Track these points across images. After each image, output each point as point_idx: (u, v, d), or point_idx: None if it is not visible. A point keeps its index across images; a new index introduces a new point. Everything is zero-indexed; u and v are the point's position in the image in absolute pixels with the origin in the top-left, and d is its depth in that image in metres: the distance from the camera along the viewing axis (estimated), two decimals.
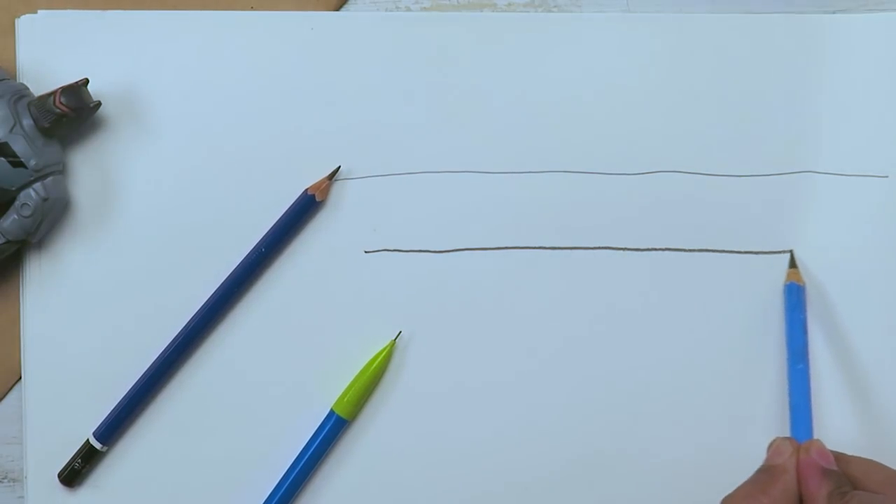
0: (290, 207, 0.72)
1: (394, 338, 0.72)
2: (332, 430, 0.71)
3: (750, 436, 0.72)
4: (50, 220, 0.70)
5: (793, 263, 0.73)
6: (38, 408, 0.71)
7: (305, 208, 0.72)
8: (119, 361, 0.72)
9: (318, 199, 0.72)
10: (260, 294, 0.72)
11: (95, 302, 0.72)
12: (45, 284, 0.72)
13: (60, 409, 0.71)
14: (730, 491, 0.66)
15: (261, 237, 0.72)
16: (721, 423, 0.73)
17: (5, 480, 0.72)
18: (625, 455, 0.73)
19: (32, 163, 0.68)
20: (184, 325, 0.71)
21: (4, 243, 0.69)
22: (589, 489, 0.72)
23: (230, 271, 0.72)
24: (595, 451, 0.73)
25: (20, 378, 0.72)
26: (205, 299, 0.72)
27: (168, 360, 0.71)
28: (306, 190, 0.72)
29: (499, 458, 0.72)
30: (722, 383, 0.73)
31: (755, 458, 0.69)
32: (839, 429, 0.73)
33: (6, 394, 0.72)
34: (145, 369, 0.71)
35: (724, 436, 0.73)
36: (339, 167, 0.73)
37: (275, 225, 0.72)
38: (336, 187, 0.73)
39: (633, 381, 0.73)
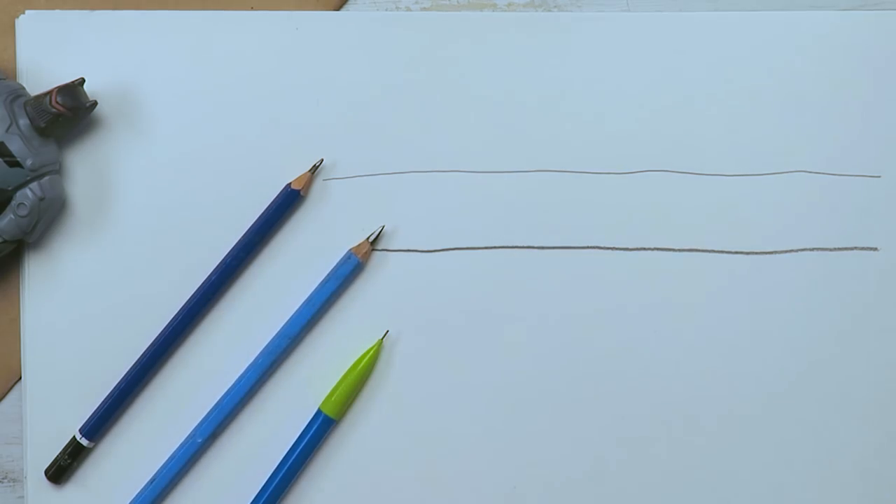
0: (272, 201, 0.72)
1: (381, 337, 0.72)
2: (320, 430, 0.71)
3: (743, 436, 0.72)
4: (47, 219, 0.70)
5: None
6: (38, 408, 0.72)
7: (288, 202, 0.72)
8: (119, 360, 0.72)
9: (301, 193, 0.72)
10: (246, 291, 0.72)
11: (94, 301, 0.72)
12: (43, 284, 0.72)
13: (60, 409, 0.72)
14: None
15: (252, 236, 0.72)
16: (712, 424, 0.72)
17: (5, 480, 0.72)
18: (613, 456, 0.72)
19: (29, 162, 0.69)
20: (167, 322, 0.71)
21: (2, 243, 0.69)
22: (577, 488, 0.72)
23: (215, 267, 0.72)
24: (584, 451, 0.72)
25: (20, 378, 0.72)
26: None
27: (153, 356, 0.71)
28: (289, 184, 0.72)
29: (487, 459, 0.72)
30: (711, 383, 0.73)
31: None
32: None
33: (6, 394, 0.73)
34: (131, 366, 0.71)
35: (717, 436, 0.72)
36: (322, 160, 0.73)
37: (257, 220, 0.72)
38: (326, 186, 0.73)
39: (621, 382, 0.73)
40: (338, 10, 0.75)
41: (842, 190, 0.74)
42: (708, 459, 0.72)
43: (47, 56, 0.73)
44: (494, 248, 0.73)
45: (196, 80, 0.74)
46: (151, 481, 0.71)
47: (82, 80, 0.71)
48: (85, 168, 0.73)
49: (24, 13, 0.73)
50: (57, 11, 0.74)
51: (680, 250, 0.73)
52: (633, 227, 0.73)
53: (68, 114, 0.69)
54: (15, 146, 0.68)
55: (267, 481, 0.71)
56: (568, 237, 0.73)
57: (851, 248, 0.74)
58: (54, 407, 0.72)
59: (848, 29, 0.75)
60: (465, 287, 0.73)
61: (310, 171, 0.72)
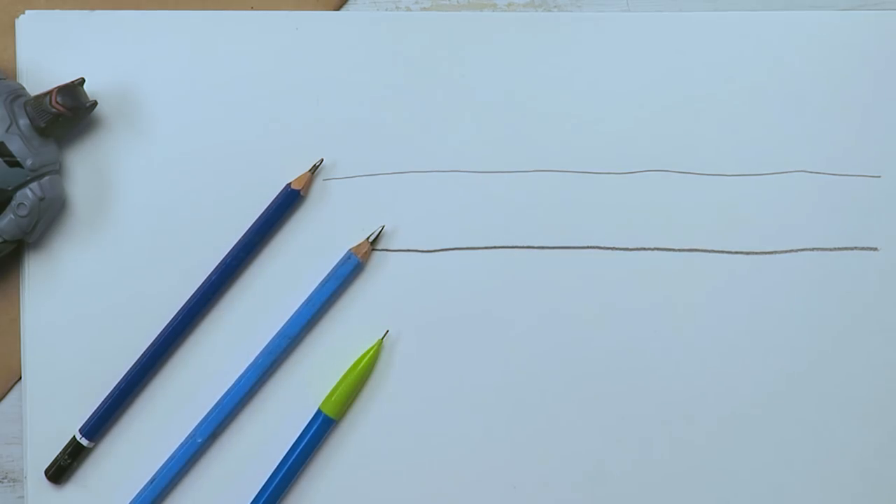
0: (272, 201, 0.72)
1: (381, 337, 0.72)
2: (320, 430, 0.71)
3: (743, 436, 0.72)
4: (46, 219, 0.70)
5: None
6: (38, 408, 0.72)
7: (288, 202, 0.72)
8: (119, 360, 0.72)
9: (301, 193, 0.72)
10: (246, 291, 0.72)
11: (94, 301, 0.72)
12: (43, 284, 0.72)
13: (60, 409, 0.71)
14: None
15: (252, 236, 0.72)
16: (712, 425, 0.72)
17: (5, 480, 0.72)
18: (613, 455, 0.72)
19: (29, 162, 0.68)
20: (167, 322, 0.71)
21: (2, 243, 0.69)
22: (577, 488, 0.72)
23: (215, 267, 0.72)
24: (584, 451, 0.72)
25: (20, 378, 0.72)
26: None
27: (153, 357, 0.71)
28: (289, 184, 0.72)
29: (487, 459, 0.72)
30: (712, 383, 0.73)
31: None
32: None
33: (6, 394, 0.72)
34: (131, 366, 0.71)
35: (717, 436, 0.72)
36: (322, 160, 0.73)
37: (258, 219, 0.72)
38: (326, 186, 0.73)
39: (621, 382, 0.73)
40: (338, 10, 0.75)
41: (842, 190, 0.74)
42: (708, 459, 0.72)
43: (47, 56, 0.73)
44: (494, 248, 0.73)
45: (196, 80, 0.74)
46: (151, 481, 0.71)
47: (82, 80, 0.71)
48: (85, 168, 0.73)
49: (24, 13, 0.73)
50: (57, 11, 0.73)
51: (680, 250, 0.73)
52: (633, 227, 0.73)
53: (68, 114, 0.69)
54: (15, 146, 0.68)
55: (267, 481, 0.71)
56: (568, 237, 0.73)
57: (851, 248, 0.74)
58: (54, 407, 0.72)
59: (848, 29, 0.75)
60: (465, 287, 0.73)
61: (310, 171, 0.72)
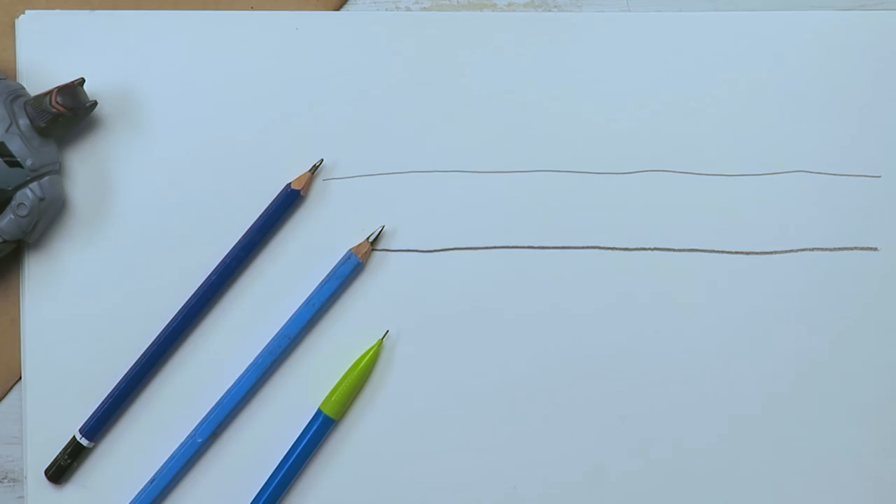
0: (272, 201, 0.72)
1: (381, 337, 0.72)
2: (320, 430, 0.71)
3: (743, 436, 0.72)
4: (47, 219, 0.70)
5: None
6: (37, 408, 0.72)
7: (288, 202, 0.72)
8: (119, 360, 0.71)
9: (301, 193, 0.72)
10: (247, 291, 0.72)
11: (94, 301, 0.72)
12: (43, 284, 0.72)
13: (60, 409, 0.71)
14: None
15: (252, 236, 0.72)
16: (713, 424, 0.72)
17: (5, 480, 0.72)
18: (613, 455, 0.72)
19: (29, 162, 0.68)
20: (167, 322, 0.71)
21: (2, 243, 0.69)
22: (578, 488, 0.72)
23: (215, 267, 0.72)
24: (584, 451, 0.72)
25: (20, 378, 0.72)
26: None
27: (153, 357, 0.71)
28: (289, 184, 0.72)
29: (487, 459, 0.72)
30: (712, 383, 0.73)
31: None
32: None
33: (6, 394, 0.72)
34: (131, 366, 0.71)
35: (717, 436, 0.72)
36: (322, 160, 0.73)
37: (258, 219, 0.72)
38: (326, 186, 0.73)
39: (621, 382, 0.73)
40: (338, 10, 0.75)
41: (842, 190, 0.74)
42: (707, 459, 0.72)
43: (47, 56, 0.73)
44: (494, 248, 0.73)
45: (196, 80, 0.74)
46: (151, 481, 0.71)
47: (82, 80, 0.71)
48: (85, 168, 0.73)
49: (24, 13, 0.73)
50: (57, 11, 0.73)
51: (680, 250, 0.73)
52: (633, 227, 0.73)
53: (68, 114, 0.69)
54: (15, 146, 0.68)
55: (267, 481, 0.71)
56: (568, 237, 0.73)
57: (851, 248, 0.74)
58: (54, 407, 0.72)
59: (848, 29, 0.75)
60: (465, 287, 0.73)
61: (310, 171, 0.72)
